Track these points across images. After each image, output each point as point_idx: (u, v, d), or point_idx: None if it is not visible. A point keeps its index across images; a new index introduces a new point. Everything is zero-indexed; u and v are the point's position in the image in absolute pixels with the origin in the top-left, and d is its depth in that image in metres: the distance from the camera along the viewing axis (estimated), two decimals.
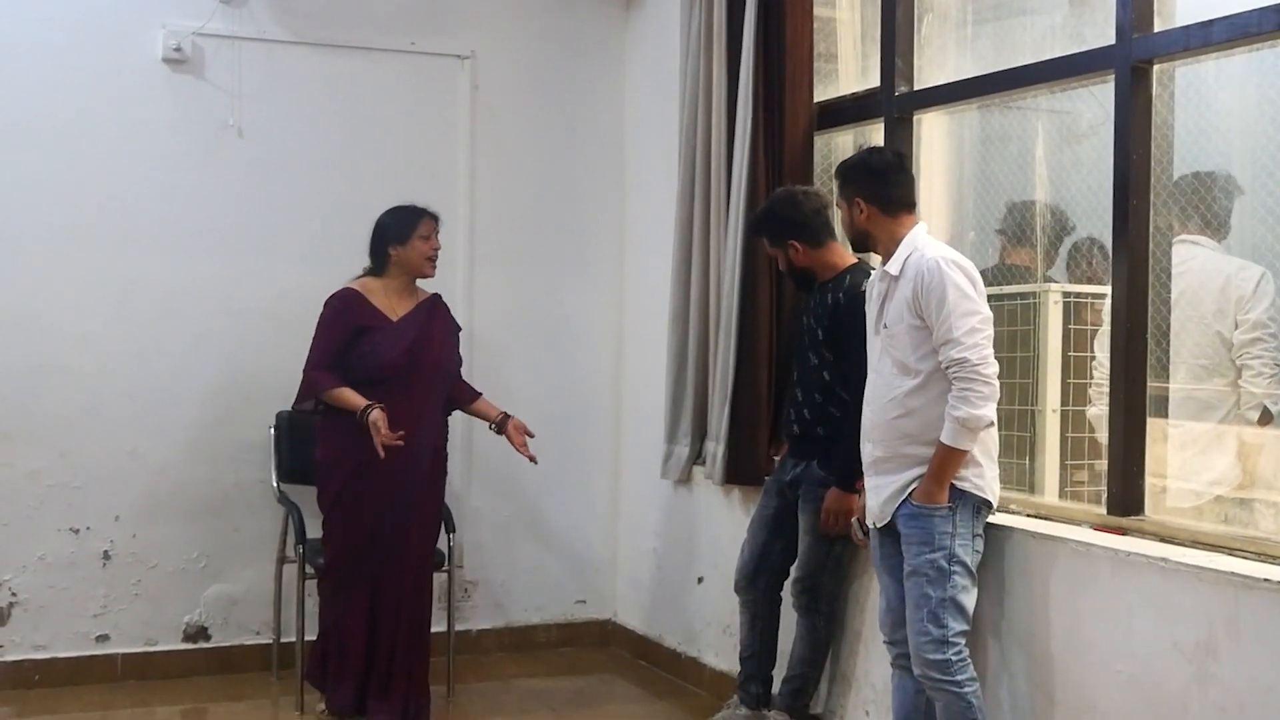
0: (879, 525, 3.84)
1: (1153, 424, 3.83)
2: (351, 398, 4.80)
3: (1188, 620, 3.23)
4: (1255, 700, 3.07)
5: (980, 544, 3.71)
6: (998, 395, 3.59)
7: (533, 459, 5.13)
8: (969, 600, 3.67)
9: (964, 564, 3.65)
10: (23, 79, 5.29)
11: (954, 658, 3.62)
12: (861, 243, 3.97)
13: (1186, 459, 4.03)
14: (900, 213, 3.82)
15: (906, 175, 3.92)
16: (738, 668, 4.77)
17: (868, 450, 3.85)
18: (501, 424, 5.15)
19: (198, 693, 5.32)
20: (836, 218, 4.24)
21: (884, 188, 3.83)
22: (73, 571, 5.36)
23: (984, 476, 3.67)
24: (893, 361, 3.75)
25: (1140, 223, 3.72)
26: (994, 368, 3.57)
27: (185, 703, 5.22)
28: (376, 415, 4.72)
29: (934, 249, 3.71)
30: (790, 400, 4.57)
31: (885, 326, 3.78)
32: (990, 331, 3.61)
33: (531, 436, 5.14)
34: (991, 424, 3.61)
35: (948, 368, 3.58)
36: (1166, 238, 3.83)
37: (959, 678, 3.61)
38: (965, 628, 3.65)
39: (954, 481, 3.63)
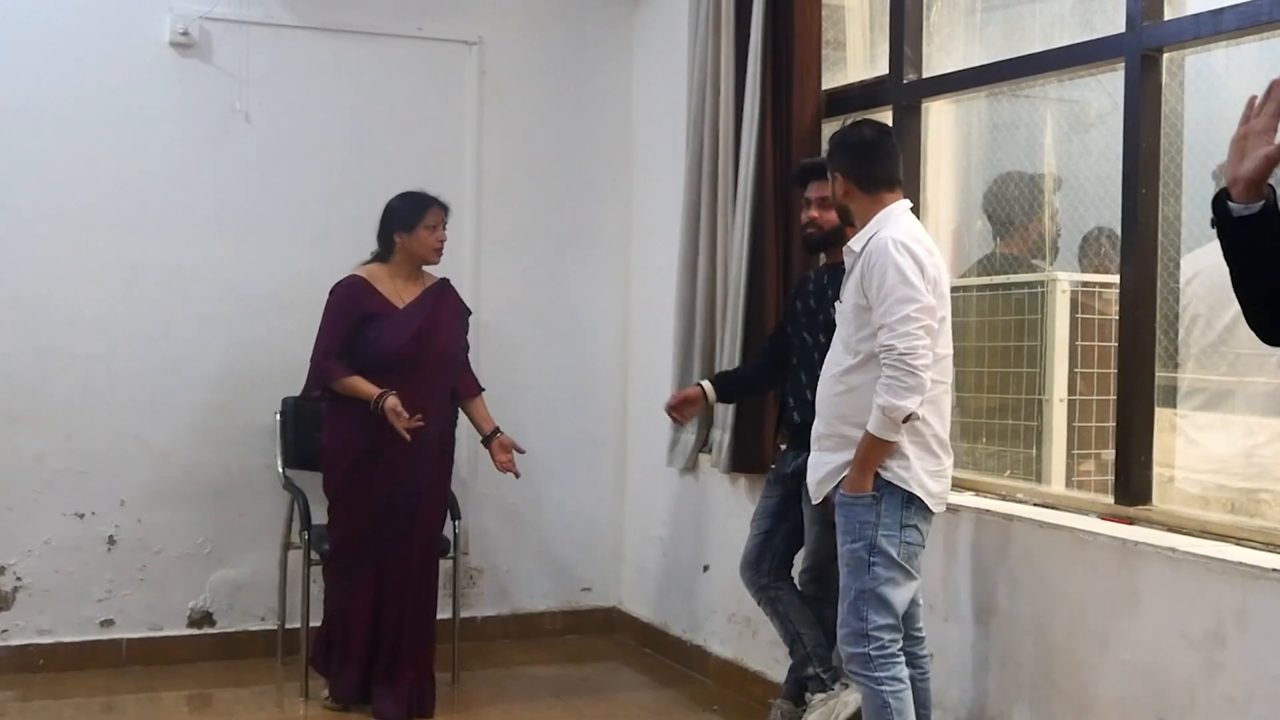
0: (815, 503, 3.84)
1: (1159, 414, 3.81)
2: (363, 386, 4.80)
3: (1196, 610, 3.23)
4: (1263, 690, 3.07)
5: (913, 535, 3.59)
6: (925, 388, 3.46)
7: (516, 474, 5.16)
8: (894, 593, 3.57)
9: (886, 555, 3.55)
10: (30, 63, 5.28)
11: (873, 652, 3.55)
12: (843, 216, 3.89)
13: (1254, 447, 3.97)
14: (879, 190, 3.72)
15: (887, 153, 3.79)
16: (748, 657, 4.74)
17: (814, 425, 3.82)
18: (489, 439, 5.14)
19: (202, 678, 5.32)
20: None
21: (862, 164, 3.74)
22: (78, 556, 5.37)
23: (911, 469, 3.56)
24: (841, 339, 3.73)
25: (1149, 212, 3.71)
26: (923, 359, 3.45)
27: (190, 688, 5.22)
28: (392, 402, 4.72)
29: (894, 228, 3.61)
30: (790, 387, 4.44)
31: (839, 302, 3.77)
32: (929, 322, 3.49)
33: (521, 452, 5.15)
34: (915, 417, 3.49)
35: (879, 353, 3.50)
36: (1174, 226, 3.81)
37: (877, 674, 3.55)
38: (889, 621, 3.57)
39: (879, 470, 3.55)
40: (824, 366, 3.81)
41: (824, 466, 3.73)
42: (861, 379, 3.60)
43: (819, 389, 3.81)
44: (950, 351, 3.69)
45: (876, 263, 3.54)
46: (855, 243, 3.69)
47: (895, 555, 3.56)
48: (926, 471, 3.60)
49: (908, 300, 3.48)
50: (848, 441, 3.62)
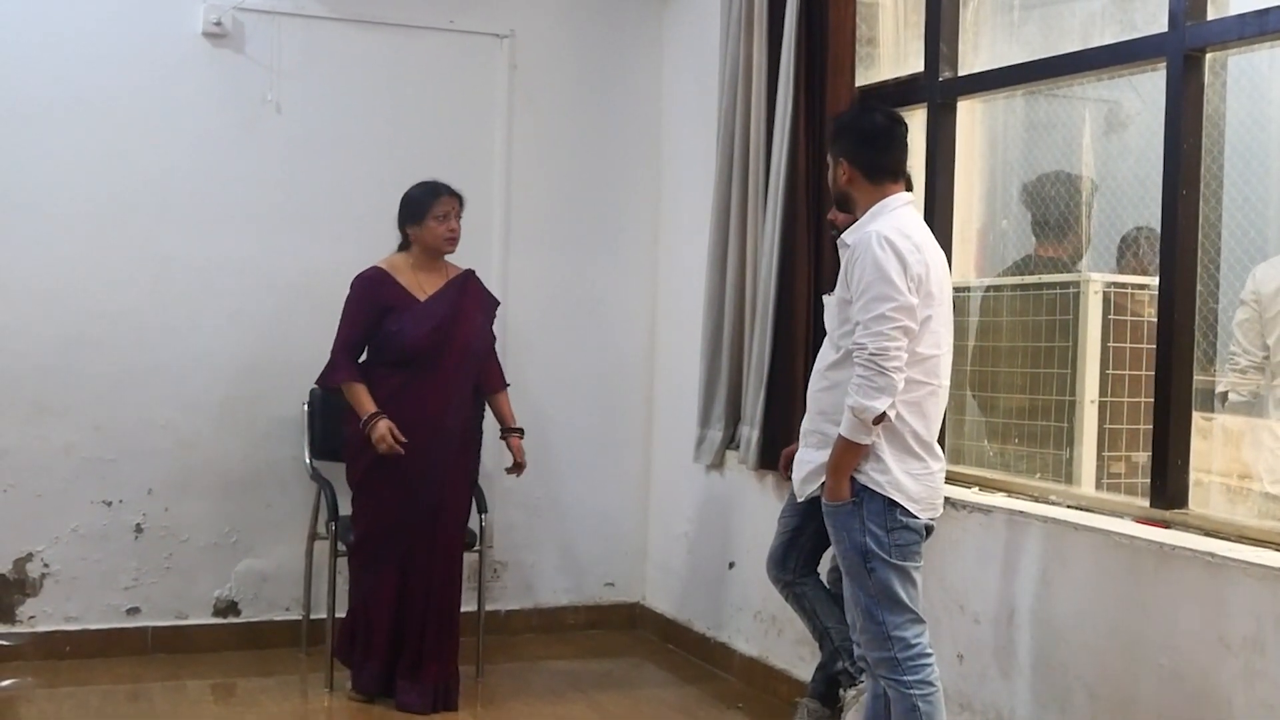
0: (799, 501, 3.77)
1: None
2: (363, 401, 4.83)
3: (1235, 615, 3.20)
4: None
5: (904, 536, 3.49)
6: (895, 389, 3.37)
7: (513, 473, 5.22)
8: (903, 589, 3.49)
9: (881, 558, 3.47)
10: (63, 53, 5.28)
11: (900, 655, 3.49)
12: (842, 204, 3.82)
13: None
14: (883, 180, 3.63)
15: (897, 141, 3.69)
16: (773, 655, 4.72)
17: (803, 420, 3.77)
18: (505, 436, 5.18)
19: (227, 667, 5.33)
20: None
21: (869, 153, 3.65)
22: (105, 544, 5.38)
23: (888, 473, 3.46)
24: (827, 333, 3.68)
25: (1190, 213, 3.68)
26: (895, 360, 3.36)
27: (215, 677, 5.23)
28: (381, 430, 4.75)
29: (884, 222, 3.53)
30: None
31: (826, 296, 3.72)
32: (905, 322, 3.39)
33: (522, 465, 5.19)
34: (885, 419, 3.40)
35: (852, 351, 3.44)
36: (1214, 229, 3.79)
37: (905, 678, 3.48)
38: (908, 617, 3.50)
39: (855, 475, 3.47)
40: (816, 361, 3.77)
41: (806, 465, 3.68)
42: (842, 376, 3.52)
43: (810, 384, 3.76)
44: (940, 352, 3.55)
45: (859, 257, 3.46)
46: (849, 235, 3.62)
47: (889, 558, 3.49)
48: (907, 473, 3.50)
49: (884, 299, 3.39)
50: (828, 440, 3.55)
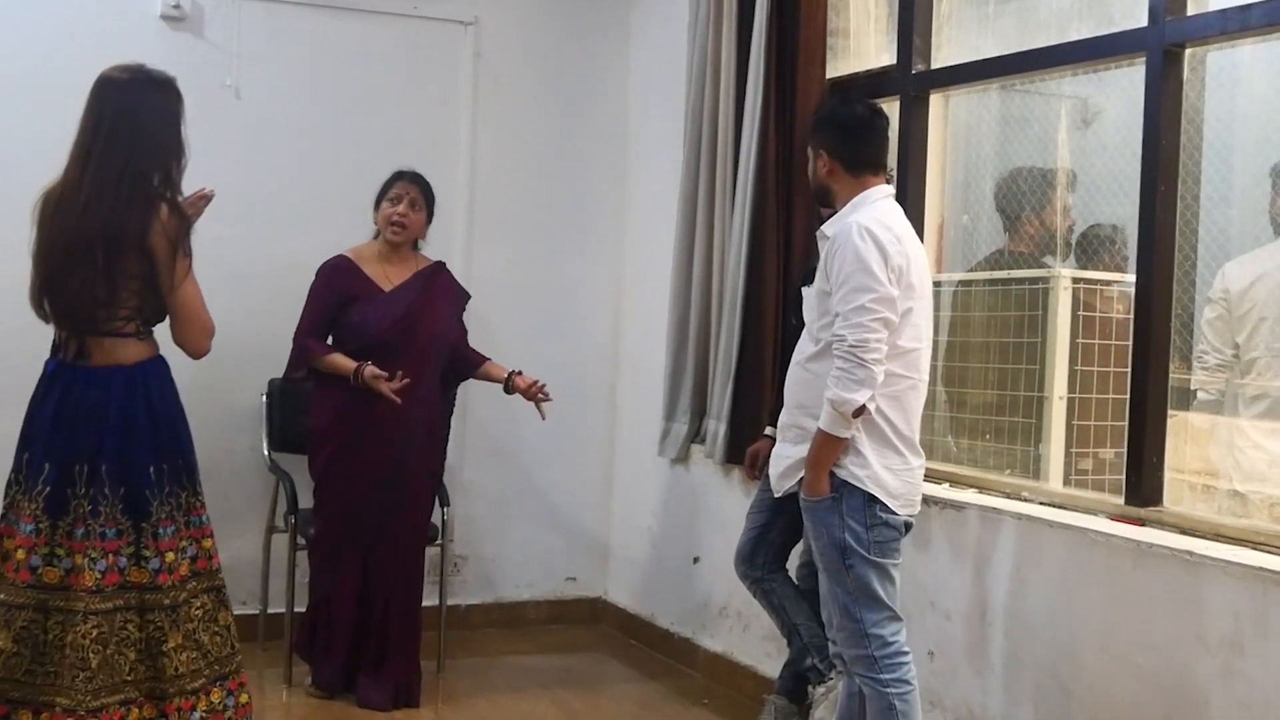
0: (776, 496, 3.73)
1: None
2: (342, 362, 4.75)
3: (1213, 614, 3.19)
4: None
5: (883, 533, 3.45)
6: (875, 382, 3.33)
7: (542, 415, 5.03)
8: (881, 586, 3.46)
9: (860, 554, 3.43)
10: (18, 34, 5.16)
11: (877, 653, 3.45)
12: (822, 196, 3.79)
13: None
14: (863, 173, 3.61)
15: (878, 133, 3.67)
16: (738, 651, 4.70)
17: (780, 415, 3.73)
18: (508, 383, 5.01)
19: None
20: None
21: (848, 144, 3.62)
22: None
23: (868, 467, 3.42)
24: (806, 325, 3.66)
25: (1168, 209, 3.65)
26: (874, 353, 3.32)
27: None
28: (370, 369, 4.65)
29: (865, 213, 3.49)
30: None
31: (806, 288, 3.68)
32: (885, 314, 3.35)
33: (543, 386, 5.00)
34: (865, 411, 3.36)
35: (832, 343, 3.40)
36: (1191, 225, 3.77)
37: (883, 676, 3.45)
38: (886, 614, 3.47)
39: (834, 469, 3.44)
40: (794, 354, 3.74)
41: (784, 460, 3.64)
42: (821, 368, 3.48)
43: (787, 377, 3.73)
44: (920, 346, 3.53)
45: (839, 248, 3.43)
46: (828, 227, 3.59)
47: (868, 554, 3.45)
48: (887, 469, 3.46)
49: (864, 290, 3.36)
50: (806, 434, 3.51)
